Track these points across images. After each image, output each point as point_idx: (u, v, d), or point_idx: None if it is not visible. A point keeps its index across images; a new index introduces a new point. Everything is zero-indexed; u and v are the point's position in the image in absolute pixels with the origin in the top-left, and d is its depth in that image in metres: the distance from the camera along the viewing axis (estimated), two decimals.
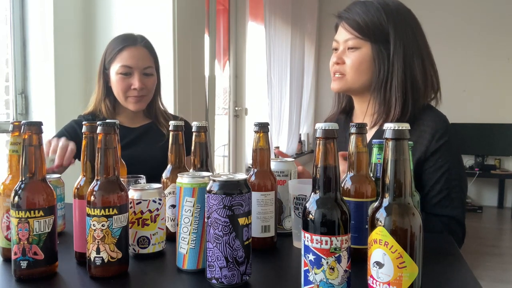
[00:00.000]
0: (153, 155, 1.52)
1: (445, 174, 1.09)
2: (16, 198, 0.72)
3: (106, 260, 0.72)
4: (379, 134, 1.16)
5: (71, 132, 1.50)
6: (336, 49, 1.23)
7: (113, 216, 0.72)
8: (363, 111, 1.25)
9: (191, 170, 0.93)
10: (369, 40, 1.15)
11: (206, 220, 0.70)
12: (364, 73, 1.17)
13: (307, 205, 0.64)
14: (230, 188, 0.67)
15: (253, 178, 0.89)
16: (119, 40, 1.51)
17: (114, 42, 1.52)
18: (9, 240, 0.81)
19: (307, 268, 0.63)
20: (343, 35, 1.19)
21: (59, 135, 1.49)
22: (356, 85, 1.19)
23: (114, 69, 1.48)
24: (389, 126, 0.61)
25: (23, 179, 0.73)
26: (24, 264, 0.72)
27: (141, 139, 1.56)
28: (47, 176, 0.80)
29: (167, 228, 0.92)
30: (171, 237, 0.89)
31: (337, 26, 1.24)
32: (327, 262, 0.61)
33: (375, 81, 1.17)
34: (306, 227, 0.63)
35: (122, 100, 1.51)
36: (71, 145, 1.22)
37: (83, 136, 0.81)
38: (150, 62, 1.53)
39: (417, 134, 1.11)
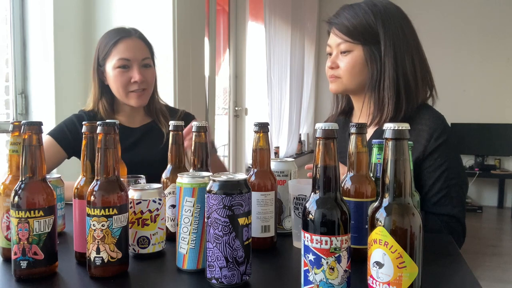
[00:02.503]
0: (155, 155, 1.48)
1: (444, 173, 1.10)
2: (16, 198, 0.72)
3: (106, 260, 0.72)
4: (379, 134, 1.16)
5: (70, 127, 1.46)
6: (330, 54, 1.24)
7: (113, 216, 0.72)
8: (361, 111, 1.26)
9: (191, 170, 0.93)
10: (359, 43, 1.17)
11: (206, 220, 0.70)
12: (358, 75, 1.19)
13: (307, 205, 0.64)
14: (230, 188, 0.67)
15: (253, 178, 0.89)
16: (112, 34, 1.45)
17: (107, 37, 1.46)
18: (9, 240, 0.81)
19: (307, 268, 0.63)
20: (335, 40, 1.21)
21: (58, 130, 1.45)
22: (352, 86, 1.21)
23: (111, 64, 1.42)
24: (389, 126, 0.61)
25: (23, 179, 0.73)
26: (24, 264, 0.72)
27: (142, 140, 1.51)
28: (47, 176, 0.81)
29: (167, 228, 0.92)
30: (171, 237, 0.89)
31: (329, 31, 1.25)
32: (327, 262, 0.61)
33: (369, 82, 1.18)
34: (306, 227, 0.63)
35: (122, 97, 1.45)
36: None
37: (83, 136, 0.81)
38: (147, 53, 1.48)
39: (415, 134, 1.12)
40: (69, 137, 1.44)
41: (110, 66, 1.43)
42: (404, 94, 1.15)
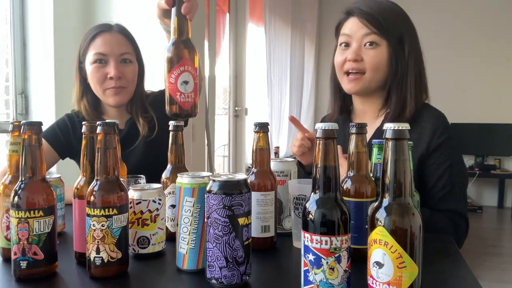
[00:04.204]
0: (142, 153, 1.41)
1: (448, 170, 1.11)
2: (16, 198, 0.72)
3: (106, 260, 0.72)
4: (379, 134, 1.16)
5: (62, 127, 1.42)
6: (347, 44, 1.18)
7: (113, 216, 0.72)
8: (364, 110, 1.26)
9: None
10: (386, 38, 1.14)
11: (206, 220, 0.70)
12: (380, 72, 1.16)
13: (307, 205, 0.64)
14: (230, 188, 0.67)
15: (253, 178, 0.89)
16: (92, 29, 1.38)
17: (88, 32, 1.39)
18: (9, 240, 0.81)
19: (307, 268, 0.63)
20: (361, 30, 1.14)
21: (50, 131, 1.42)
22: (373, 84, 1.17)
23: (89, 60, 1.35)
24: (389, 126, 0.60)
25: (23, 179, 0.73)
26: (24, 264, 0.72)
27: (127, 140, 1.41)
28: (47, 176, 0.80)
29: (167, 228, 0.92)
30: (171, 237, 0.89)
31: (339, 24, 1.22)
32: (327, 262, 0.61)
33: (391, 80, 1.16)
34: (306, 227, 0.63)
35: (100, 94, 1.37)
36: None
37: (83, 136, 0.81)
38: (127, 48, 1.38)
39: (418, 131, 1.13)
40: (61, 139, 1.41)
41: (88, 62, 1.36)
42: (419, 92, 1.17)
